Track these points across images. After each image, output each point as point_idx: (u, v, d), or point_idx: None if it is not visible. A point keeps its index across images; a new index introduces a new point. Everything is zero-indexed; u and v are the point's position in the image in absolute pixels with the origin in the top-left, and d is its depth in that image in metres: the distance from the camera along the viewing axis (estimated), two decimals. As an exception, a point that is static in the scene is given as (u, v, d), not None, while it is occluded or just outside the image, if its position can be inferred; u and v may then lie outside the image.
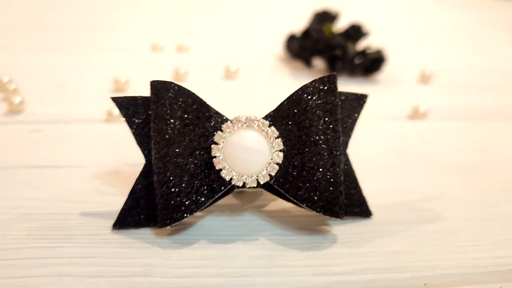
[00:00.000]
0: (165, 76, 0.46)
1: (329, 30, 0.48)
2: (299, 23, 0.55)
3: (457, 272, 0.24)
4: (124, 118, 0.26)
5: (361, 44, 0.49)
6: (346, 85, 0.46)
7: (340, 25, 0.52)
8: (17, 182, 0.29)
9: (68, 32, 0.57)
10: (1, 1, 0.66)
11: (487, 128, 0.40)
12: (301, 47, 0.48)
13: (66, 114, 0.38)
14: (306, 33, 0.47)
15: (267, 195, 0.29)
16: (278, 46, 0.54)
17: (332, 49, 0.46)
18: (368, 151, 0.35)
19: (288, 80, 0.47)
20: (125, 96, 0.26)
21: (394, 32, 0.60)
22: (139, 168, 0.31)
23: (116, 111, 0.37)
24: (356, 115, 0.28)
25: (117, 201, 0.28)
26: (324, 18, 0.49)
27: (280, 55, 0.53)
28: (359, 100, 0.28)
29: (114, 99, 0.26)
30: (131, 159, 0.32)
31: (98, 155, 0.33)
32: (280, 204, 0.29)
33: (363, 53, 0.47)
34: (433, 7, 0.79)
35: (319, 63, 0.50)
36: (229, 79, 0.46)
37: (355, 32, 0.48)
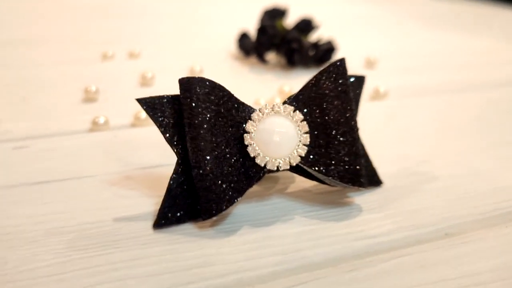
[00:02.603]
0: (132, 81, 0.46)
1: (281, 25, 0.51)
2: (247, 22, 0.57)
3: (468, 220, 0.28)
4: (153, 119, 0.26)
5: (312, 37, 0.52)
6: (303, 77, 0.49)
7: (290, 20, 0.54)
8: (28, 199, 0.28)
9: (12, 48, 0.53)
10: None
11: (436, 101, 0.45)
12: (257, 43, 0.50)
13: (45, 128, 0.36)
14: (262, 29, 0.49)
15: (284, 178, 0.31)
16: (229, 46, 0.55)
17: (288, 43, 0.49)
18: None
19: (250, 76, 0.49)
20: (150, 97, 0.26)
21: (333, 25, 0.65)
22: (149, 170, 0.32)
23: (101, 119, 0.36)
24: (358, 93, 0.30)
25: (143, 202, 0.28)
26: (274, 14, 0.51)
27: (233, 53, 0.54)
28: (359, 81, 0.31)
29: (140, 100, 0.26)
30: (136, 162, 0.32)
31: (101, 163, 0.32)
32: (299, 185, 0.31)
33: (315, 45, 0.50)
34: (356, 4, 0.85)
35: (272, 58, 0.52)
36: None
37: (306, 26, 0.51)
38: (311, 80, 0.28)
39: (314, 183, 0.30)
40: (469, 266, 0.24)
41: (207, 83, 0.26)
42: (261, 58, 0.51)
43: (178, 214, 0.26)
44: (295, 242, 0.26)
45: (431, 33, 0.70)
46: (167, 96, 0.26)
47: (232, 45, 0.55)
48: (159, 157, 0.33)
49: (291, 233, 0.26)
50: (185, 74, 0.48)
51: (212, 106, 0.26)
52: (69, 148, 0.34)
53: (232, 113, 0.26)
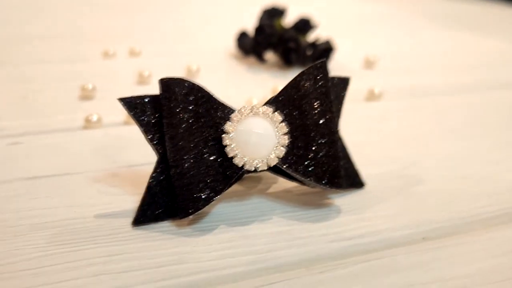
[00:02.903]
0: (129, 79, 0.46)
1: (279, 25, 0.51)
2: (246, 21, 0.57)
3: (448, 225, 0.28)
4: (133, 118, 0.27)
5: (311, 36, 0.52)
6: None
7: (288, 20, 0.55)
8: (16, 195, 0.29)
9: (14, 45, 0.55)
10: None
11: (433, 102, 0.45)
12: (255, 43, 0.50)
13: (41, 125, 0.37)
14: (260, 29, 0.49)
15: (267, 179, 0.31)
16: (229, 45, 0.56)
17: (286, 42, 0.49)
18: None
19: (247, 75, 0.49)
20: (131, 97, 0.27)
21: (333, 24, 0.64)
22: (135, 168, 0.33)
23: (94, 117, 0.37)
24: (343, 95, 0.30)
25: (125, 200, 0.29)
26: (273, 14, 0.52)
27: (233, 52, 0.55)
28: (343, 82, 0.31)
29: (121, 100, 0.27)
30: (123, 160, 0.33)
31: (89, 161, 0.33)
32: (281, 185, 0.31)
33: (313, 44, 0.50)
34: (362, 2, 0.85)
35: (271, 57, 0.53)
36: (192, 79, 0.48)
37: (304, 25, 0.51)
38: (291, 81, 0.28)
39: (296, 184, 0.30)
40: (441, 272, 0.24)
41: (186, 84, 0.27)
42: (259, 57, 0.51)
43: (157, 212, 0.27)
44: (270, 242, 0.26)
45: (437, 32, 0.69)
46: (148, 96, 0.27)
47: (231, 44, 0.55)
48: (146, 155, 0.33)
49: (267, 233, 0.27)
50: (182, 73, 0.48)
51: (191, 107, 0.26)
52: (61, 145, 0.35)
53: (211, 114, 0.27)
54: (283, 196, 0.30)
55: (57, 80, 0.46)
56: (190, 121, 0.26)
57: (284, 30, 0.50)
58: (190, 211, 0.26)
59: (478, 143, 0.38)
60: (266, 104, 0.28)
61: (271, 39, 0.49)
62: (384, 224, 0.28)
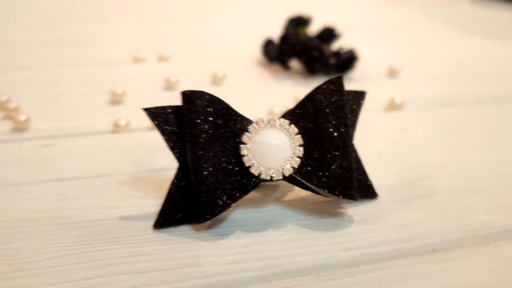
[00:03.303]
0: (157, 84, 0.48)
1: (304, 33, 0.52)
2: (273, 29, 0.58)
3: (458, 237, 0.29)
4: (157, 128, 0.28)
5: (335, 45, 0.53)
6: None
7: (313, 29, 0.56)
8: (46, 196, 0.31)
9: (48, 48, 0.57)
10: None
11: (455, 113, 0.45)
12: (280, 51, 0.51)
13: (71, 128, 0.40)
14: (284, 37, 0.50)
15: (284, 187, 0.33)
16: (255, 52, 0.57)
17: (309, 51, 0.50)
18: (356, 142, 0.39)
19: (270, 83, 0.51)
20: (155, 107, 0.29)
21: (359, 32, 0.65)
22: (159, 173, 0.34)
23: (123, 122, 0.39)
24: (357, 109, 0.31)
25: (148, 203, 0.30)
26: (298, 22, 0.53)
27: (258, 59, 0.56)
28: (359, 97, 0.32)
29: (146, 110, 0.28)
30: (148, 165, 0.35)
31: (116, 164, 0.35)
32: (296, 194, 0.32)
33: (337, 53, 0.51)
34: (390, 8, 0.85)
35: (296, 65, 0.54)
36: (216, 85, 0.49)
37: (329, 35, 0.52)
38: (308, 95, 0.29)
39: (310, 192, 0.31)
40: (446, 283, 0.25)
41: (207, 96, 0.28)
42: (284, 65, 0.52)
43: (177, 216, 0.28)
44: (283, 248, 0.27)
45: (465, 40, 0.69)
46: (171, 106, 0.29)
47: (257, 52, 0.57)
48: (170, 161, 0.35)
49: (280, 240, 0.28)
50: (208, 79, 0.50)
51: (211, 118, 0.28)
52: (90, 148, 0.37)
53: (230, 125, 0.28)
54: (298, 205, 0.31)
55: (88, 84, 0.48)
56: (210, 131, 0.28)
57: (308, 39, 0.51)
58: (208, 216, 0.27)
59: (495, 156, 0.38)
60: (283, 116, 0.29)
61: (295, 48, 0.50)
62: (395, 235, 0.28)
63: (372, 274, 0.26)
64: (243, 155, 0.28)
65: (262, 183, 0.32)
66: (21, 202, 0.30)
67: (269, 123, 0.28)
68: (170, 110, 0.29)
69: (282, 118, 0.29)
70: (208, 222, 0.28)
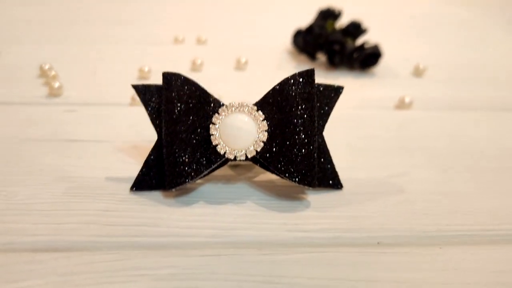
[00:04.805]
0: (183, 66, 0.52)
1: (331, 26, 0.53)
2: (307, 20, 0.60)
3: (407, 235, 0.30)
4: (142, 102, 0.32)
5: (360, 40, 0.54)
6: (344, 77, 0.51)
7: (342, 22, 0.57)
8: (56, 152, 0.36)
9: (99, 26, 0.63)
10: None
11: (461, 117, 0.45)
12: (305, 42, 0.53)
13: (97, 98, 0.45)
14: (310, 29, 0.52)
15: (258, 168, 0.35)
16: (287, 41, 0.59)
17: (331, 44, 0.51)
18: (349, 135, 0.40)
19: (294, 71, 0.52)
20: (142, 84, 0.32)
21: (391, 28, 0.65)
22: (154, 143, 0.38)
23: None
24: (333, 102, 0.33)
25: (135, 169, 0.34)
26: (328, 15, 0.54)
27: (288, 49, 0.58)
28: (336, 90, 0.33)
29: (134, 86, 0.32)
30: (148, 136, 0.39)
31: (122, 132, 0.39)
32: (267, 176, 0.34)
33: (360, 48, 0.52)
34: (428, 3, 0.82)
35: (322, 57, 0.55)
36: (239, 70, 0.52)
37: (355, 29, 0.52)
38: (278, 84, 0.31)
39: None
40: (371, 273, 0.27)
41: (185, 79, 0.31)
42: (311, 56, 0.54)
43: (151, 182, 0.32)
44: (234, 222, 0.30)
45: (503, 40, 0.66)
46: (156, 85, 0.32)
47: (289, 41, 0.59)
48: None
49: (235, 214, 0.31)
50: (232, 64, 0.53)
51: (185, 98, 0.31)
52: (105, 117, 0.42)
53: (203, 106, 0.31)
54: (265, 186, 0.33)
55: (125, 61, 0.53)
56: (184, 110, 0.31)
57: (332, 32, 0.52)
58: (173, 185, 0.31)
59: (481, 163, 0.38)
60: (254, 103, 0.32)
61: (319, 40, 0.52)
62: (343, 225, 0.30)
63: (306, 255, 0.28)
64: (212, 134, 0.31)
65: (236, 163, 0.35)
66: (33, 156, 0.35)
67: (238, 108, 0.31)
68: (154, 88, 0.32)
69: (252, 104, 0.31)
70: (176, 190, 0.31)
